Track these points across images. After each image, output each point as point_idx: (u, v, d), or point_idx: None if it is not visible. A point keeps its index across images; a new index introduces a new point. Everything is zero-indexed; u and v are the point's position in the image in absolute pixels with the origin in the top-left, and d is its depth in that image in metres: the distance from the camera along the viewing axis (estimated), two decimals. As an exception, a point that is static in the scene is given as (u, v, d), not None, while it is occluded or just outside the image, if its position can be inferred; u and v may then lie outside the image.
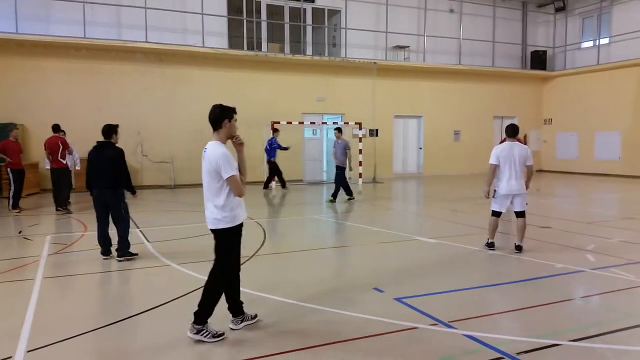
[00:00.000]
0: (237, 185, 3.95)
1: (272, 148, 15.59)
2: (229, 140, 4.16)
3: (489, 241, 7.07)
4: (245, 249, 7.00)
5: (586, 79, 21.23)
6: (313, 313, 4.57)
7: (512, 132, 6.84)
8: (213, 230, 4.05)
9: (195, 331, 3.93)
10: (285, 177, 16.19)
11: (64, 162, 11.00)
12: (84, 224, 9.39)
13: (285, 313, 4.59)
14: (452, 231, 8.67)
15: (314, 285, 5.48)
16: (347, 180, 12.92)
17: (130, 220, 6.92)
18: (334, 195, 12.70)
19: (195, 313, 3.97)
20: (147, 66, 16.24)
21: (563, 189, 16.79)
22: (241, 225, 4.14)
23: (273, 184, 16.00)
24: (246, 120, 17.17)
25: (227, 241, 4.06)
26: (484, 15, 21.67)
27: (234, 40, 17.78)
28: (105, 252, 6.71)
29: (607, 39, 20.75)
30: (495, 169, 6.77)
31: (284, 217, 10.91)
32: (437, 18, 20.76)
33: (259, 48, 17.90)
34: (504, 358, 3.57)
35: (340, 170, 12.67)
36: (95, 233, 6.74)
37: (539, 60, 22.42)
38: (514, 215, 7.14)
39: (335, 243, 8.13)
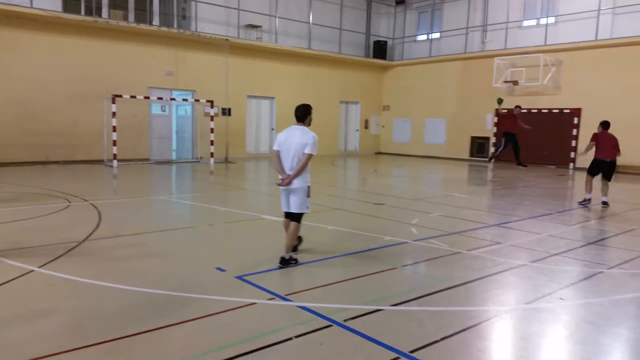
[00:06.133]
0: None
1: None
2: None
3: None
4: (74, 233, 6.52)
5: (419, 69, 23.49)
6: (152, 298, 4.44)
7: (299, 113, 5.63)
8: None
9: None
10: (131, 155, 15.21)
11: None
12: None
13: (123, 300, 4.39)
14: (297, 210, 9.02)
15: (154, 269, 5.32)
16: None
17: None
18: None
19: None
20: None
21: (397, 169, 18.52)
22: None
23: None
24: (83, 93, 15.80)
25: None
26: (333, 2, 22.58)
27: (70, 3, 15.98)
28: None
29: (439, 33, 23.14)
30: (278, 155, 5.59)
31: (127, 198, 10.29)
32: (288, 0, 21.07)
33: (99, 14, 16.37)
34: (332, 325, 3.88)
35: None
36: None
37: (380, 49, 24.17)
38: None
39: (180, 224, 7.94)
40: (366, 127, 24.95)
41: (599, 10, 17.72)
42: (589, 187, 10.18)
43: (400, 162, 20.88)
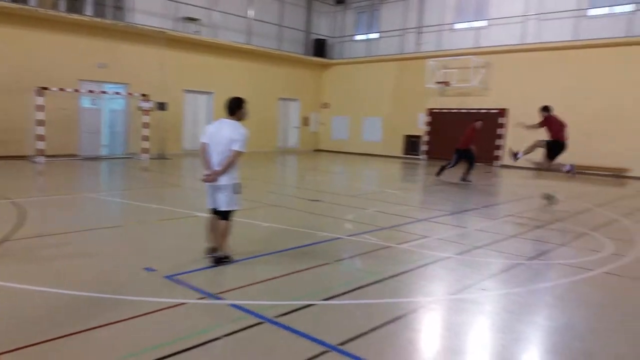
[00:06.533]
0: None
1: None
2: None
3: (208, 246, 5.46)
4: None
5: (358, 69, 23.89)
6: (78, 300, 4.27)
7: (229, 107, 5.26)
8: None
9: None
10: (58, 151, 14.46)
11: None
12: None
13: (47, 303, 4.19)
14: (233, 207, 8.95)
15: (80, 270, 5.10)
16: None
17: None
18: None
19: None
20: None
21: (336, 166, 18.77)
22: None
23: None
24: (7, 85, 14.83)
25: None
26: (274, -2, 22.50)
27: (-9, -12, 14.96)
28: None
29: (377, 34, 23.61)
30: (205, 148, 5.25)
31: (52, 196, 9.78)
32: (228, -6, 20.78)
33: (25, 1, 15.40)
34: (264, 322, 3.89)
35: None
36: None
37: (320, 48, 24.37)
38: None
39: (109, 223, 7.65)
40: (306, 125, 25.07)
41: (525, 15, 18.74)
42: (558, 165, 10.13)
43: (338, 160, 21.16)
